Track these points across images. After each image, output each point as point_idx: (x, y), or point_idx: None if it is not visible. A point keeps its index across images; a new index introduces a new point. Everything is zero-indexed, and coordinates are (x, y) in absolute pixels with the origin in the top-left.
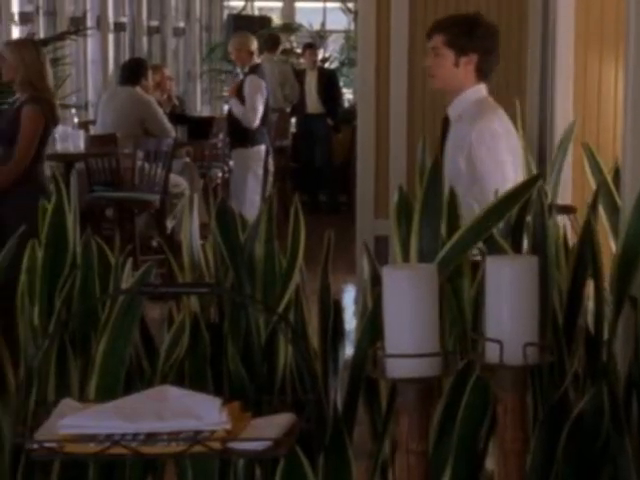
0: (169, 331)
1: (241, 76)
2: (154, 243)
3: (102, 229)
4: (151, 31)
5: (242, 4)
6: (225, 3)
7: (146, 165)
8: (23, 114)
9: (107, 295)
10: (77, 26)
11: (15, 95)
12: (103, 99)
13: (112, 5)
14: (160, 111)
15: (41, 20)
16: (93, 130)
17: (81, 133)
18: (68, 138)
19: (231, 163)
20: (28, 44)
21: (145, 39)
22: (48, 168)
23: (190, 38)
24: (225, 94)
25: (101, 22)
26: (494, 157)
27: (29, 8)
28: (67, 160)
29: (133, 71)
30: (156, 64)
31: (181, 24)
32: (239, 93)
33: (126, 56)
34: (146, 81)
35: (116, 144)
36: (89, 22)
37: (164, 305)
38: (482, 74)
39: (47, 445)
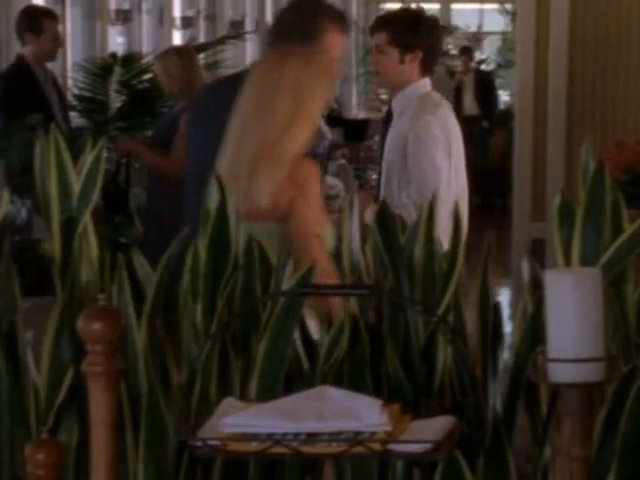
0: (328, 332)
1: None
2: None
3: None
4: None
5: (399, 6)
6: (382, 5)
7: None
8: (181, 121)
9: (268, 296)
10: (236, 30)
11: (175, 102)
12: None
13: (270, 9)
14: None
15: (201, 24)
16: None
17: None
18: None
19: None
20: (172, 55)
21: None
22: None
23: (346, 40)
24: (384, 96)
25: (259, 26)
26: (431, 162)
27: (190, 13)
28: None
29: None
30: None
31: None
32: None
33: None
34: None
35: None
36: (248, 26)
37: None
38: (427, 69)
39: (210, 443)
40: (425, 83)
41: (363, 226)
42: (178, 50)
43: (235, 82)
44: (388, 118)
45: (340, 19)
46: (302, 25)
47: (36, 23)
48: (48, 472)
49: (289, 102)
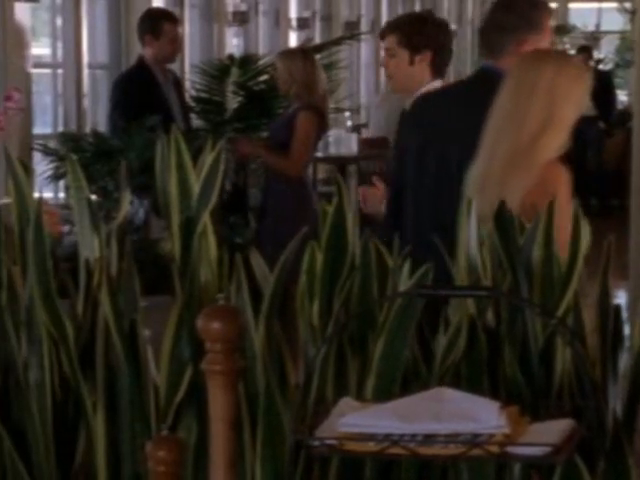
0: (445, 334)
1: None
2: None
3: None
4: None
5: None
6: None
7: None
8: (297, 120)
9: (386, 297)
10: (352, 30)
11: (290, 102)
12: (375, 102)
13: (386, 9)
14: None
15: (317, 25)
16: (365, 133)
17: (354, 136)
18: (341, 141)
19: None
20: (297, 55)
21: None
22: (322, 171)
23: (462, 40)
24: None
25: (375, 26)
26: None
27: (306, 14)
28: (340, 163)
29: None
30: None
31: (453, 26)
32: None
33: None
34: None
35: (387, 147)
36: (363, 26)
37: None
38: (437, 70)
39: (328, 443)
40: (438, 84)
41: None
42: (303, 51)
43: (466, 90)
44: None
45: (549, 9)
46: (529, 17)
47: (156, 26)
48: (168, 469)
49: (543, 107)
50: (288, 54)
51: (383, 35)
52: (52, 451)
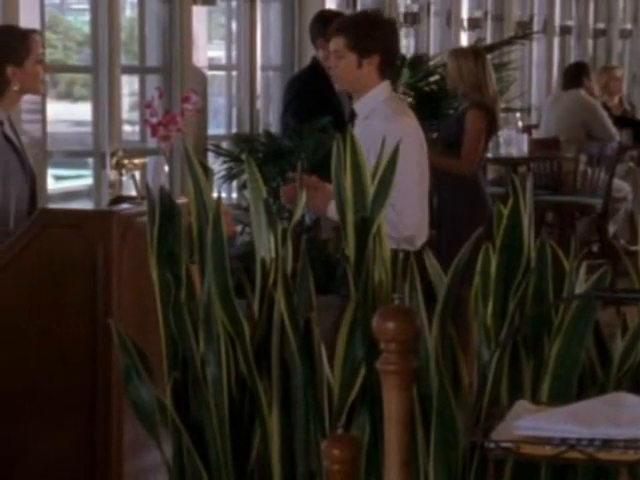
0: (623, 338)
1: None
2: (594, 248)
3: (542, 233)
4: (597, 34)
5: None
6: None
7: (589, 169)
8: (466, 120)
9: (563, 300)
10: (523, 30)
11: (460, 102)
12: (547, 103)
13: (559, 8)
14: (605, 115)
15: (488, 25)
16: (536, 134)
17: (525, 137)
18: (512, 142)
19: None
20: (467, 54)
21: (590, 42)
22: (491, 172)
23: (637, 40)
24: None
25: (547, 25)
26: (408, 160)
27: (477, 14)
28: (510, 164)
29: (575, 75)
30: (606, 66)
31: (628, 26)
32: None
33: (571, 59)
34: (589, 84)
35: (559, 148)
36: (535, 26)
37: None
38: (385, 72)
39: (503, 445)
40: (386, 86)
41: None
42: (474, 50)
43: None
44: (351, 122)
45: None
46: None
47: (329, 27)
48: (343, 467)
49: None
50: (459, 53)
51: (330, 36)
52: (228, 447)
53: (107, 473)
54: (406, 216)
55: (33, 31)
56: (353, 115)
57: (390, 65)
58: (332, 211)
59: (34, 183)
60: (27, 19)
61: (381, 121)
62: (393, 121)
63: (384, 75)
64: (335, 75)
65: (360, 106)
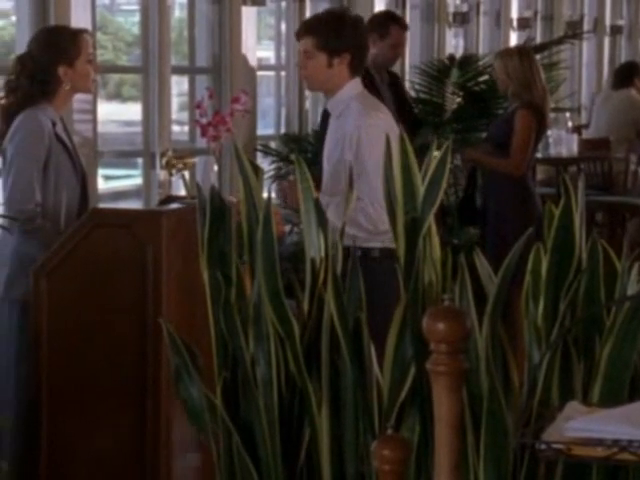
0: None
1: None
2: None
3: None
4: None
5: None
6: None
7: (639, 169)
8: (515, 119)
9: (614, 301)
10: (574, 30)
11: (510, 103)
12: (597, 103)
13: (609, 8)
14: None
15: (538, 25)
16: (586, 134)
17: (574, 137)
18: (562, 142)
19: None
20: (512, 54)
21: None
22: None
23: None
24: None
25: (598, 25)
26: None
27: (527, 13)
28: (560, 164)
29: (626, 74)
30: None
31: None
32: None
33: (622, 59)
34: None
35: (609, 148)
36: (586, 25)
37: None
38: (356, 70)
39: (555, 447)
40: (357, 83)
41: None
42: (519, 50)
43: None
44: (324, 120)
45: None
46: None
47: (384, 26)
48: (393, 468)
49: None
50: (505, 53)
51: (299, 36)
52: (278, 447)
53: (156, 472)
54: (384, 211)
55: (83, 31)
56: (327, 114)
57: (361, 62)
58: (331, 215)
59: (85, 183)
60: (78, 20)
61: (354, 118)
62: (367, 117)
63: (355, 72)
64: (305, 76)
65: (333, 105)
